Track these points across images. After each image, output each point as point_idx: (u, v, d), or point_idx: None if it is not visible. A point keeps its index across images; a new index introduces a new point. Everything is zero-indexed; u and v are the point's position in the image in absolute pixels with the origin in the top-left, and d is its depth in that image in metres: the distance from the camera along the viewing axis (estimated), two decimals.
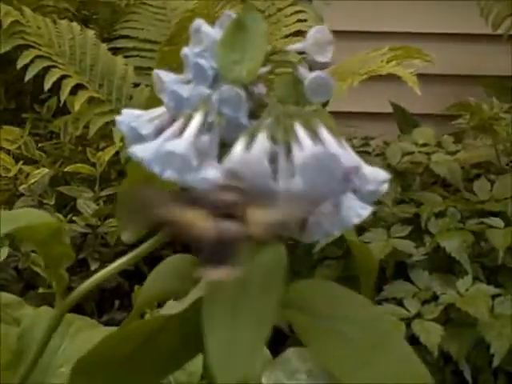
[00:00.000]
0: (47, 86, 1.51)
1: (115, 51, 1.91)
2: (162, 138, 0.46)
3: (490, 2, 2.12)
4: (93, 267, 1.37)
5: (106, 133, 1.65)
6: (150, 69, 1.94)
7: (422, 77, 1.51)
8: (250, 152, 0.42)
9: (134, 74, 1.83)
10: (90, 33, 1.81)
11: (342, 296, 0.50)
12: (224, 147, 0.48)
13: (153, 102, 1.69)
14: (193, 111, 0.47)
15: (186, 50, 0.53)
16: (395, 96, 2.08)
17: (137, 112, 0.55)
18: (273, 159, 0.43)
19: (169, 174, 0.44)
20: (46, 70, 1.64)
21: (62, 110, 1.85)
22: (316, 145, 0.41)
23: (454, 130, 1.76)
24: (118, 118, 0.54)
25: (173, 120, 0.52)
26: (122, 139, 1.57)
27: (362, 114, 2.24)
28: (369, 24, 2.28)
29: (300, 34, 1.90)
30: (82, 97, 1.54)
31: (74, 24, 1.81)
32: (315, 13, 1.98)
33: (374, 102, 2.18)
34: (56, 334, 0.79)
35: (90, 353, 0.55)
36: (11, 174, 1.43)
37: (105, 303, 1.46)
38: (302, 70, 0.51)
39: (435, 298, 1.18)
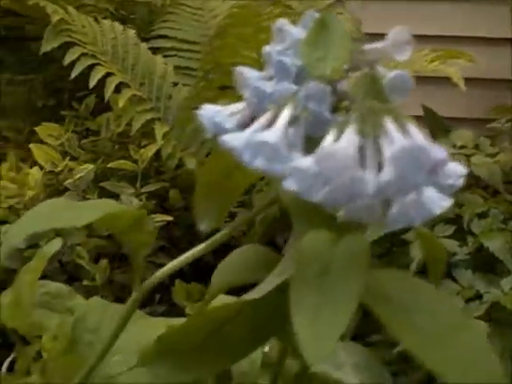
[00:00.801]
0: (92, 83, 1.54)
1: (153, 51, 1.94)
2: (252, 128, 0.48)
3: None
4: None
5: (148, 130, 1.68)
6: (188, 68, 1.97)
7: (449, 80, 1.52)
8: (339, 143, 0.44)
9: (173, 74, 1.86)
10: (131, 32, 1.84)
11: (417, 286, 0.52)
12: (306, 141, 0.51)
13: (190, 101, 1.70)
14: (280, 105, 0.50)
15: (268, 49, 0.55)
16: (424, 99, 2.10)
17: (216, 107, 0.57)
18: (360, 152, 0.45)
19: (258, 163, 0.46)
20: (88, 68, 1.68)
21: (99, 108, 1.89)
22: (405, 138, 0.44)
23: (487, 133, 1.78)
24: (200, 112, 0.56)
25: (253, 115, 0.54)
26: (163, 136, 1.60)
27: None
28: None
29: None
30: (126, 94, 1.57)
31: (116, 24, 1.84)
32: (352, 15, 2.00)
33: (403, 105, 2.19)
34: (108, 324, 0.81)
35: (163, 338, 0.58)
36: (58, 169, 1.45)
37: (145, 297, 1.48)
38: (380, 69, 0.54)
39: (479, 296, 1.19)
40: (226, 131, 0.54)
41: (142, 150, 1.55)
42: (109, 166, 1.54)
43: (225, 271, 0.63)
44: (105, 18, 1.93)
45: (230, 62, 1.48)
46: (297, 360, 0.61)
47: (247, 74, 0.55)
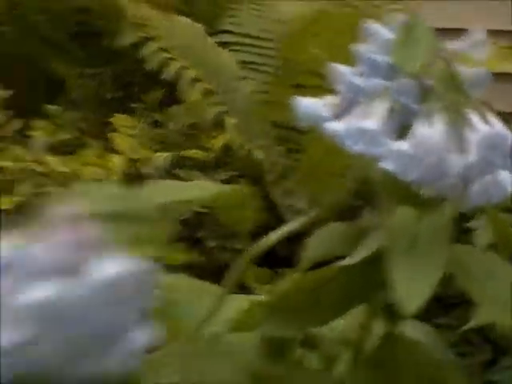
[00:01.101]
0: (168, 76, 1.63)
1: (219, 45, 2.02)
2: (352, 118, 0.56)
3: None
4: (209, 245, 1.48)
5: (216, 122, 1.76)
6: (253, 63, 2.05)
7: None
8: (430, 130, 0.52)
9: (238, 68, 1.94)
10: (199, 27, 1.93)
11: (492, 260, 0.60)
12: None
13: (258, 96, 1.77)
14: (374, 98, 0.57)
15: (359, 47, 0.63)
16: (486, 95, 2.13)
17: (312, 99, 0.65)
18: (447, 138, 0.53)
19: (359, 147, 0.54)
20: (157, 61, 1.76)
21: (165, 101, 1.98)
22: (487, 126, 0.51)
23: None
24: (296, 102, 0.64)
25: (346, 106, 0.62)
26: (232, 128, 1.69)
27: None
28: (464, 22, 2.34)
29: None
30: (198, 88, 1.66)
31: (185, 18, 1.92)
32: (410, 11, 2.06)
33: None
34: (195, 299, 0.89)
35: (274, 300, 0.66)
36: (137, 157, 1.55)
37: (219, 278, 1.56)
38: (458, 66, 0.61)
39: None
40: (323, 120, 0.62)
41: (213, 140, 1.64)
42: (182, 154, 1.63)
43: (314, 246, 0.71)
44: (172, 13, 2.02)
45: (301, 62, 1.56)
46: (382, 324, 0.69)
47: (342, 70, 0.62)
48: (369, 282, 0.63)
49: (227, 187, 0.67)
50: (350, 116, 0.57)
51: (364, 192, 0.66)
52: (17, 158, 1.62)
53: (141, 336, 0.37)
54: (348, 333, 0.78)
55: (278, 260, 1.55)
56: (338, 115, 0.61)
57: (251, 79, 1.93)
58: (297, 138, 1.78)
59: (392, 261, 0.53)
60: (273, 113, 1.75)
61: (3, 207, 1.50)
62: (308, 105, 0.63)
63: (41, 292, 0.31)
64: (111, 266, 0.34)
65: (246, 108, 1.79)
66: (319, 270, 0.64)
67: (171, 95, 1.94)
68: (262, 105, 1.78)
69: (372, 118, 0.55)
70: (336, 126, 0.55)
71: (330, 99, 0.64)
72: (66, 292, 0.32)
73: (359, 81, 0.61)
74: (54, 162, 1.52)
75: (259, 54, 2.02)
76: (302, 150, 1.68)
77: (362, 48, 0.62)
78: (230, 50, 2.04)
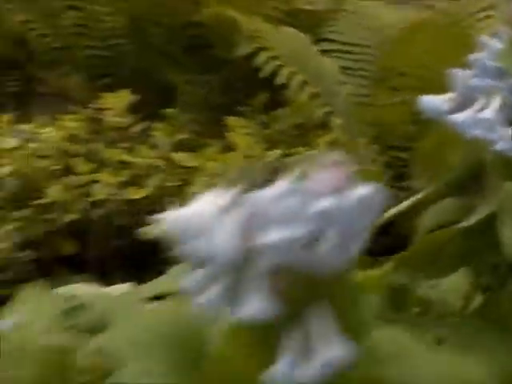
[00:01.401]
0: (281, 81, 1.81)
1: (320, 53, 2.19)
2: (470, 110, 0.72)
3: None
4: None
5: (320, 123, 1.93)
6: (349, 68, 2.21)
7: None
8: None
9: (339, 73, 2.11)
10: (304, 36, 2.10)
11: None
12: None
13: (351, 97, 1.96)
14: (488, 96, 0.73)
15: (473, 55, 0.78)
16: None
17: (433, 96, 0.81)
18: None
19: (478, 132, 0.70)
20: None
21: (269, 105, 2.16)
22: None
23: None
24: (422, 99, 0.80)
25: (461, 101, 0.78)
26: (339, 127, 1.85)
27: None
28: None
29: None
30: (307, 91, 1.83)
31: (291, 28, 2.10)
32: (506, 16, 2.18)
33: None
34: None
35: (399, 257, 0.81)
36: (253, 154, 1.73)
37: None
38: None
39: None
40: (443, 113, 0.78)
41: (319, 139, 1.80)
42: (291, 151, 1.80)
43: (431, 216, 0.87)
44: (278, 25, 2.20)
45: (398, 66, 1.72)
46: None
47: (459, 73, 0.78)
48: (481, 243, 0.78)
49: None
50: (469, 109, 0.73)
51: (474, 173, 0.82)
52: (144, 155, 1.82)
53: (363, 241, 0.53)
54: (454, 292, 0.93)
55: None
56: (454, 109, 0.77)
57: (350, 84, 2.09)
58: (392, 137, 1.95)
59: (502, 219, 0.69)
60: (371, 113, 1.92)
61: (135, 197, 1.70)
62: (431, 100, 0.80)
63: (322, 204, 0.49)
64: (361, 190, 0.51)
65: (346, 109, 1.95)
66: (439, 232, 0.79)
67: (275, 99, 2.12)
68: (359, 106, 1.95)
69: (489, 110, 0.70)
70: (459, 117, 0.71)
71: (448, 96, 0.80)
72: (336, 204, 0.49)
73: (474, 82, 0.77)
74: (180, 158, 1.71)
75: (357, 60, 2.19)
76: (402, 146, 1.84)
77: (476, 55, 0.78)
78: (331, 57, 2.20)
